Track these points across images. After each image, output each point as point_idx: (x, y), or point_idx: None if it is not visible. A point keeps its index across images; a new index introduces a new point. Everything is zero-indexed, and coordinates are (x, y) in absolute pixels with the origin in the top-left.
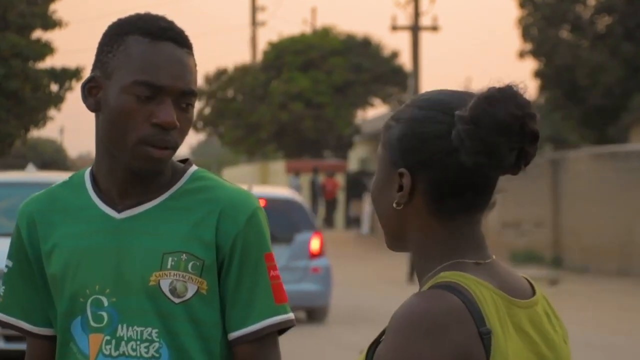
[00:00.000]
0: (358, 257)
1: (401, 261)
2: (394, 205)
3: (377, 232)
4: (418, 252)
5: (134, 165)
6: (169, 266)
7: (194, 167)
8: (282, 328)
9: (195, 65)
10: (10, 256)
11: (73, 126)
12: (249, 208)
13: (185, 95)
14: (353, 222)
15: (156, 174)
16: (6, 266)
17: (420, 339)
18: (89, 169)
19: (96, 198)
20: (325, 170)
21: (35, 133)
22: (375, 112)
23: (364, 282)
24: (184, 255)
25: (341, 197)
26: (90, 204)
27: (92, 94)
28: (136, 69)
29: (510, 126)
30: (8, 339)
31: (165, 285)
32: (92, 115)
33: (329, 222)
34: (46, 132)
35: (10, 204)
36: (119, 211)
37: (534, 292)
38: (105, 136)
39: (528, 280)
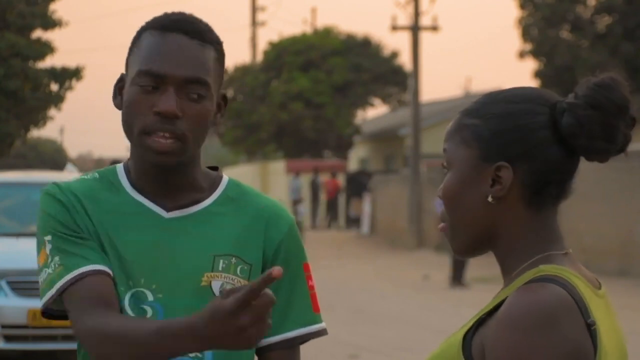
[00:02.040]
0: (358, 257)
1: (401, 261)
2: (490, 199)
3: (377, 232)
4: (506, 248)
5: (144, 157)
6: (220, 268)
7: (225, 175)
8: (314, 337)
9: (216, 58)
10: (49, 228)
11: (73, 126)
12: (289, 217)
13: (190, 84)
14: (353, 222)
15: (170, 167)
16: (48, 241)
17: (535, 331)
18: (120, 166)
19: (138, 195)
20: (326, 170)
21: (35, 133)
22: (375, 112)
23: (364, 282)
24: (234, 258)
25: (341, 197)
26: (133, 200)
27: (120, 93)
28: (142, 60)
29: (627, 109)
30: (8, 338)
31: (216, 287)
32: (92, 115)
33: (329, 222)
34: (46, 132)
35: (10, 204)
36: (167, 210)
37: (599, 283)
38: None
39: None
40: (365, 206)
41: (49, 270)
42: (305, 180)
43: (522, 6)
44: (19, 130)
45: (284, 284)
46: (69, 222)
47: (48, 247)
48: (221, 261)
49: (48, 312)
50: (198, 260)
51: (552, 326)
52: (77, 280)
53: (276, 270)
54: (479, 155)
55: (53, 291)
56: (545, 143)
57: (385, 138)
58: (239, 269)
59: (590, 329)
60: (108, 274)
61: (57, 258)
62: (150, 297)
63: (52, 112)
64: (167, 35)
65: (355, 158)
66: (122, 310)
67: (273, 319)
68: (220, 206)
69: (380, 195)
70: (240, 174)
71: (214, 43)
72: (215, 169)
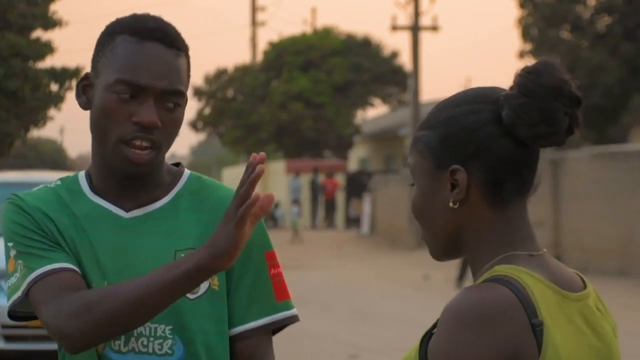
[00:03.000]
0: (358, 257)
1: (401, 261)
2: (451, 204)
3: (377, 232)
4: (473, 250)
5: (116, 165)
6: None
7: (187, 170)
8: (284, 325)
9: (187, 66)
10: (13, 235)
11: (73, 126)
12: None
13: (169, 95)
14: (353, 222)
15: (140, 176)
16: (13, 247)
17: (469, 330)
18: (82, 172)
19: (98, 199)
20: (326, 170)
21: (35, 133)
22: (375, 112)
23: (364, 282)
24: None
25: (341, 197)
26: (93, 204)
27: (84, 92)
28: (119, 68)
29: (561, 90)
30: (8, 338)
31: None
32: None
33: (329, 222)
34: (46, 132)
35: None
36: (126, 210)
37: (584, 286)
38: (92, 135)
39: (579, 275)
40: (365, 206)
41: (17, 274)
42: (305, 180)
43: (522, 6)
44: (19, 130)
45: (247, 274)
46: (32, 228)
47: (13, 252)
48: (182, 255)
49: (15, 315)
50: (160, 257)
51: (488, 326)
52: (44, 277)
53: (257, 159)
54: (433, 164)
55: (19, 293)
56: (491, 138)
57: (385, 138)
58: None
59: (535, 329)
60: (77, 272)
61: (21, 262)
62: None
63: (52, 112)
64: (145, 44)
65: (355, 158)
66: None
67: (237, 308)
68: (180, 201)
69: (380, 195)
70: (240, 174)
71: (185, 50)
72: (177, 165)
